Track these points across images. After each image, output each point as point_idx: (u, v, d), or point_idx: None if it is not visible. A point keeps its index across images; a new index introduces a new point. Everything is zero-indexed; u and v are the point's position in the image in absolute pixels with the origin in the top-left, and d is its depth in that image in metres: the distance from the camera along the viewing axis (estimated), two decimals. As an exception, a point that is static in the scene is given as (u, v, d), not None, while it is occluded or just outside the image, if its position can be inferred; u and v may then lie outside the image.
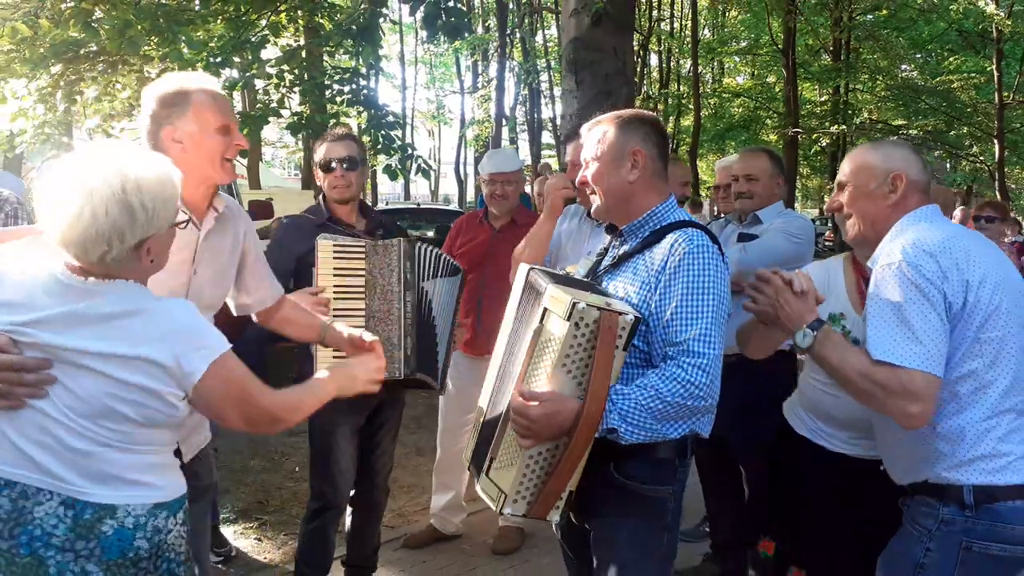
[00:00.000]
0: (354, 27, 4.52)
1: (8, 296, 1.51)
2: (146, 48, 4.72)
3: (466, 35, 4.77)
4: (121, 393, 1.49)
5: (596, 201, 2.03)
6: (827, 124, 21.23)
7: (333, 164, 2.92)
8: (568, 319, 1.65)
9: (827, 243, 21.24)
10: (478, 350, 3.51)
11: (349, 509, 3.13)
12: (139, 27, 4.51)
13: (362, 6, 4.27)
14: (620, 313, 1.69)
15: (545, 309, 1.75)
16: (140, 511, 1.54)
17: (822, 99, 23.79)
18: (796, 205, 23.85)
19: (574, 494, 1.79)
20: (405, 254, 2.80)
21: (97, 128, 6.92)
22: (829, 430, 2.29)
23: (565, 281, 1.88)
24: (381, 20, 4.86)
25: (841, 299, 2.27)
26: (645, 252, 1.93)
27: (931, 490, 1.78)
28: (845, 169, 2.03)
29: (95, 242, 1.47)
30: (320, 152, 2.99)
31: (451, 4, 4.45)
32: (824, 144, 22.18)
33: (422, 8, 4.20)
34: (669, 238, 1.88)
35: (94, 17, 4.58)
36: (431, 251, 2.90)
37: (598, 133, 2.02)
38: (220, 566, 3.50)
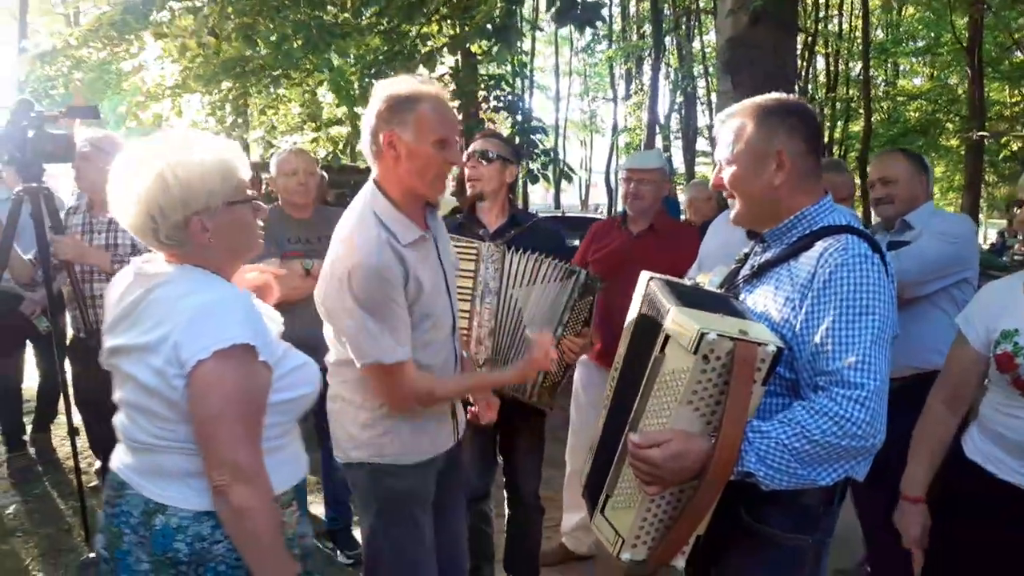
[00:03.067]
0: (489, 26, 4.48)
1: None
2: (301, 60, 4.93)
3: (598, 25, 4.59)
4: (143, 387, 1.48)
5: (736, 207, 1.77)
6: (1019, 127, 19.22)
7: (469, 156, 2.88)
8: (695, 352, 1.41)
9: (1016, 256, 19.20)
10: (611, 362, 3.32)
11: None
12: (295, 41, 4.70)
13: (498, 4, 4.23)
14: (759, 344, 1.43)
15: (667, 336, 1.51)
16: (185, 514, 1.51)
17: (1012, 100, 21.63)
18: (980, 215, 21.77)
19: (702, 538, 1.58)
20: (488, 258, 2.70)
21: (261, 140, 7.34)
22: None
23: (692, 297, 1.64)
24: (517, 20, 4.81)
25: (1019, 315, 1.94)
26: (790, 261, 1.66)
27: None
28: None
29: (140, 217, 1.50)
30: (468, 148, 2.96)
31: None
32: (1015, 149, 20.08)
33: (557, 2, 4.07)
34: (819, 246, 1.60)
35: (255, 31, 4.82)
36: (527, 256, 2.75)
37: (733, 128, 1.73)
38: (351, 568, 3.51)
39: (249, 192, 1.60)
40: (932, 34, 22.42)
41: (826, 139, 19.53)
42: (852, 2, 23.40)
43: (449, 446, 2.22)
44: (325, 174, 4.97)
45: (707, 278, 1.89)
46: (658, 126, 20.46)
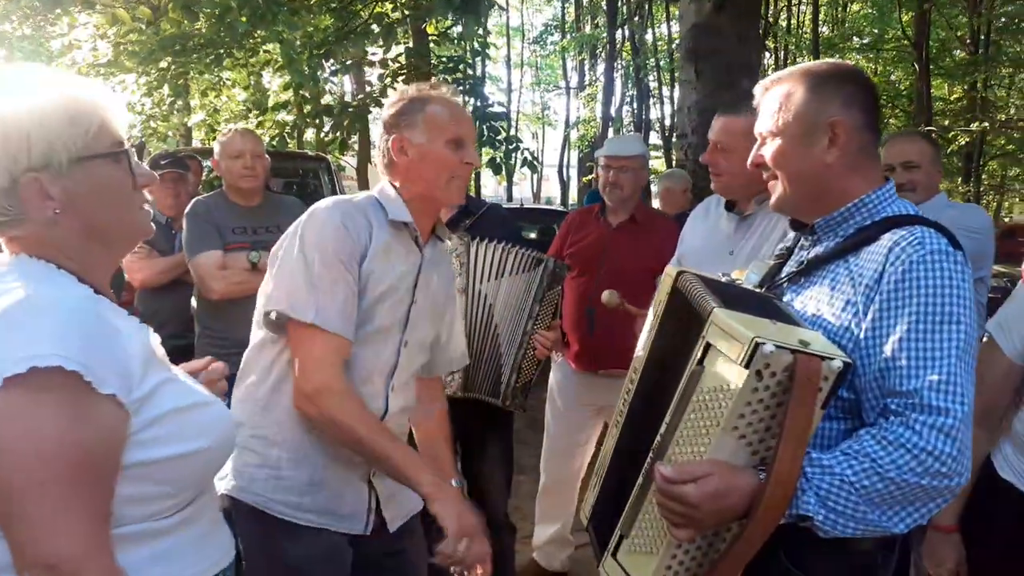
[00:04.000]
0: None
1: None
2: (245, 36, 4.56)
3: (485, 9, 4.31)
4: None
5: (777, 189, 1.49)
6: (962, 122, 19.67)
7: None
8: (747, 366, 1.14)
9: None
10: (589, 365, 3.06)
11: None
12: (239, 14, 4.33)
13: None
14: (823, 357, 1.17)
15: (708, 345, 1.23)
16: None
17: (954, 98, 22.17)
18: (924, 210, 22.21)
19: None
20: (451, 252, 2.45)
21: (203, 123, 6.90)
22: None
23: (735, 298, 1.36)
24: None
25: None
26: (849, 257, 1.39)
27: None
28: None
29: None
30: None
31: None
32: (962, 143, 20.57)
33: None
34: (887, 239, 1.34)
35: (196, 2, 4.43)
36: (493, 246, 2.52)
37: (779, 95, 1.46)
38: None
39: (120, 145, 1.12)
40: (876, 30, 22.84)
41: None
42: (801, -2, 23.71)
43: (355, 527, 1.75)
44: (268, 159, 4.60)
45: (741, 274, 1.60)
46: (611, 119, 20.35)
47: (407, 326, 1.77)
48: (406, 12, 5.58)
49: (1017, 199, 27.87)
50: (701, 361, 1.24)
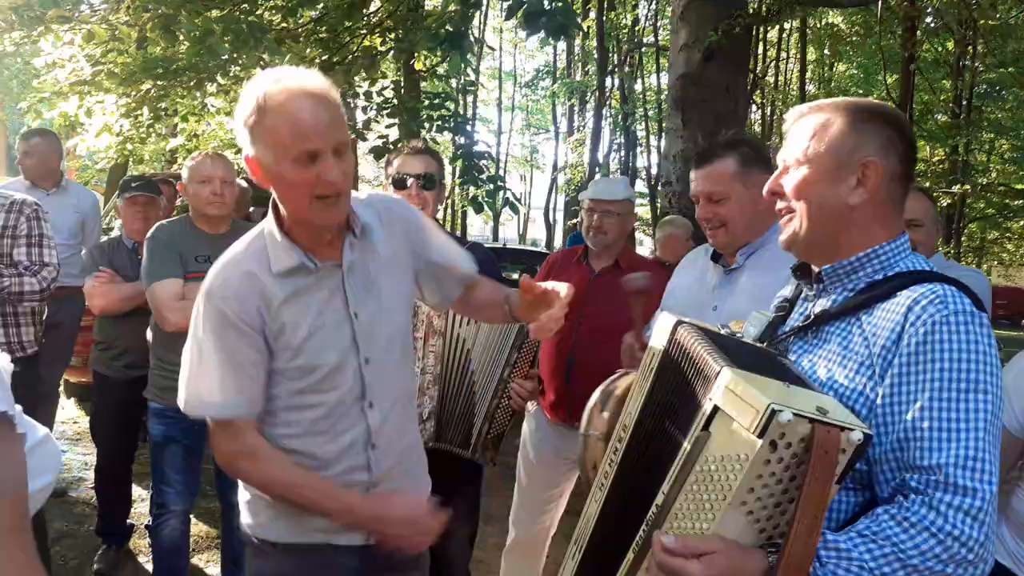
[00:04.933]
0: (442, 31, 4.13)
1: None
2: (228, 61, 4.49)
3: (572, 32, 4.29)
4: None
5: (792, 224, 1.38)
6: (944, 184, 19.99)
7: (408, 180, 2.47)
8: (761, 435, 1.03)
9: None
10: (565, 416, 2.91)
11: None
12: (222, 39, 4.25)
13: (451, 8, 3.89)
14: (843, 428, 1.06)
15: (716, 408, 1.11)
16: None
17: (935, 159, 22.56)
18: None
19: None
20: None
21: (184, 147, 6.80)
22: None
23: (737, 353, 1.24)
24: (472, 33, 4.50)
25: None
26: (861, 314, 1.29)
27: None
28: None
29: None
30: (394, 166, 2.54)
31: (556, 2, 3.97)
32: (944, 204, 20.87)
33: (523, 7, 3.73)
34: (905, 296, 1.23)
35: (176, 23, 4.35)
36: None
37: (815, 123, 1.36)
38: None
39: None
40: (861, 91, 23.31)
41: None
42: (789, 55, 24.19)
43: (356, 540, 1.70)
44: (247, 185, 4.48)
45: (739, 326, 1.48)
46: (598, 165, 20.49)
47: (359, 347, 1.62)
48: (393, 45, 5.53)
49: (996, 262, 28.24)
50: (707, 426, 1.12)
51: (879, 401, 1.20)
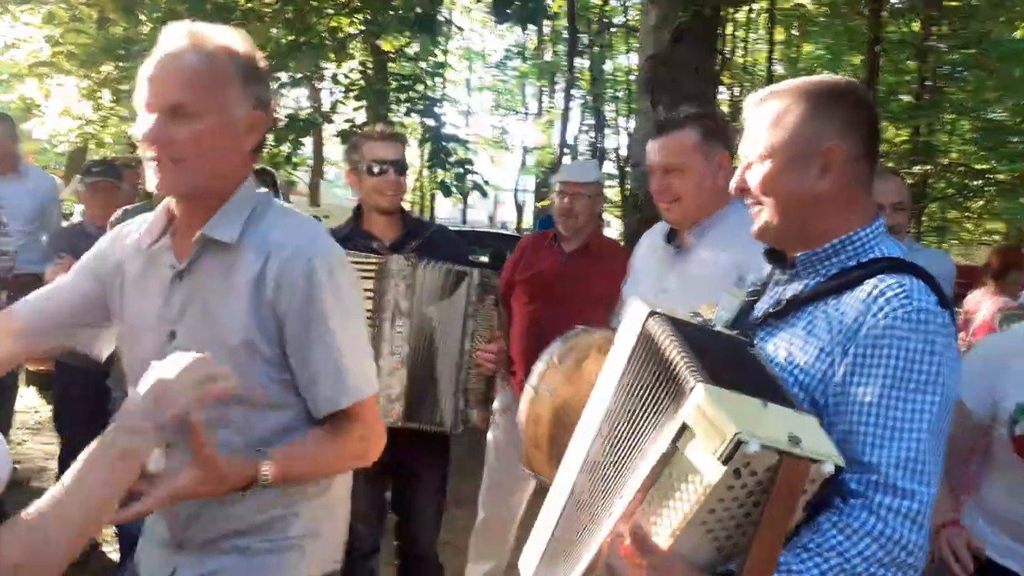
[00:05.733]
0: (412, 14, 4.10)
1: None
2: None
3: (540, 20, 4.29)
4: None
5: (762, 216, 1.37)
6: (906, 165, 20.32)
7: (384, 167, 2.48)
8: (725, 462, 1.03)
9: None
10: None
11: None
12: (185, 19, 4.16)
13: (420, -9, 3.88)
14: (814, 460, 1.05)
15: (684, 426, 1.09)
16: None
17: (898, 140, 22.89)
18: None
19: None
20: (398, 274, 2.37)
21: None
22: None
23: (713, 358, 1.19)
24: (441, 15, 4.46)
25: None
26: (829, 299, 1.28)
27: None
28: None
29: None
30: (363, 151, 2.54)
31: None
32: (908, 184, 21.25)
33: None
34: (871, 285, 1.23)
35: (138, 3, 4.26)
36: (440, 268, 2.44)
37: (772, 112, 1.34)
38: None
39: None
40: (828, 71, 23.50)
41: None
42: (757, 35, 24.30)
43: None
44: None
45: (711, 311, 1.47)
46: (567, 147, 20.49)
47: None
48: (361, 27, 5.47)
49: (956, 242, 28.85)
50: (676, 440, 1.11)
51: (831, 391, 1.22)
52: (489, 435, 3.25)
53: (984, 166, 21.03)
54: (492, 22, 31.30)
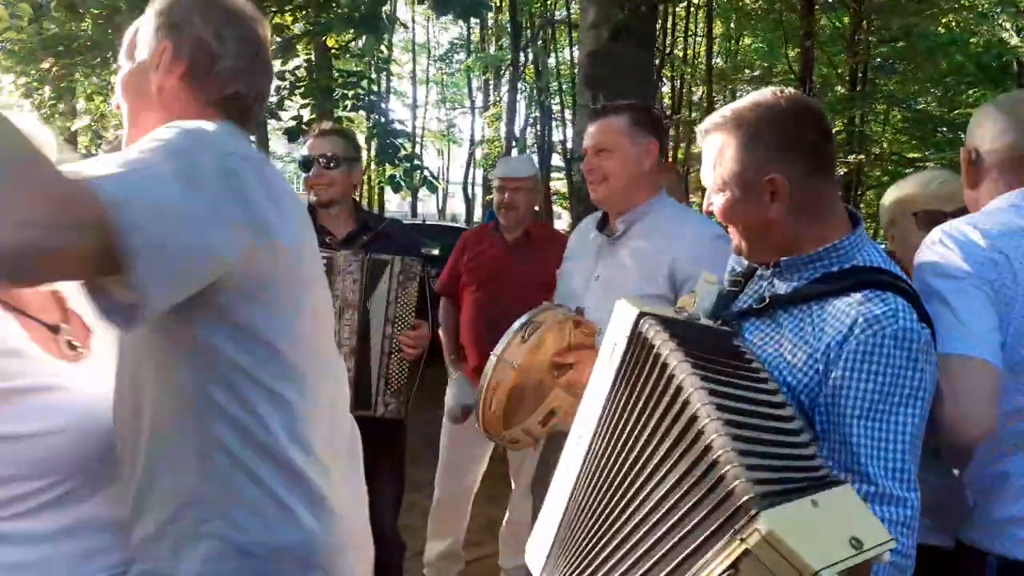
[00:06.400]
0: (356, 14, 4.17)
1: None
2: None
3: (483, 13, 4.38)
4: None
5: (733, 239, 1.44)
6: (842, 155, 20.96)
7: (310, 162, 2.61)
8: None
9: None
10: (486, 379, 3.11)
11: None
12: (127, 15, 4.18)
13: (365, -10, 3.96)
14: (876, 559, 1.02)
15: (746, 551, 0.99)
16: None
17: (836, 130, 23.57)
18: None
19: None
20: (345, 269, 2.49)
21: (88, 128, 6.60)
22: None
23: (701, 345, 1.19)
24: (385, 10, 4.53)
25: None
26: (814, 306, 1.31)
27: None
28: None
29: None
30: (304, 149, 2.68)
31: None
32: (841, 174, 21.89)
33: (431, -12, 3.81)
34: (858, 300, 1.26)
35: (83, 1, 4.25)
36: (369, 260, 2.54)
37: (714, 148, 1.38)
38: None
39: None
40: (766, 64, 24.08)
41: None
42: (696, 29, 24.74)
43: None
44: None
45: (691, 300, 1.48)
46: (514, 140, 20.62)
47: None
48: (308, 26, 5.51)
49: (891, 227, 29.80)
50: (735, 565, 1.01)
51: (824, 399, 1.26)
52: (444, 419, 3.38)
53: (915, 154, 21.89)
54: (435, 16, 31.11)
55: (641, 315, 1.30)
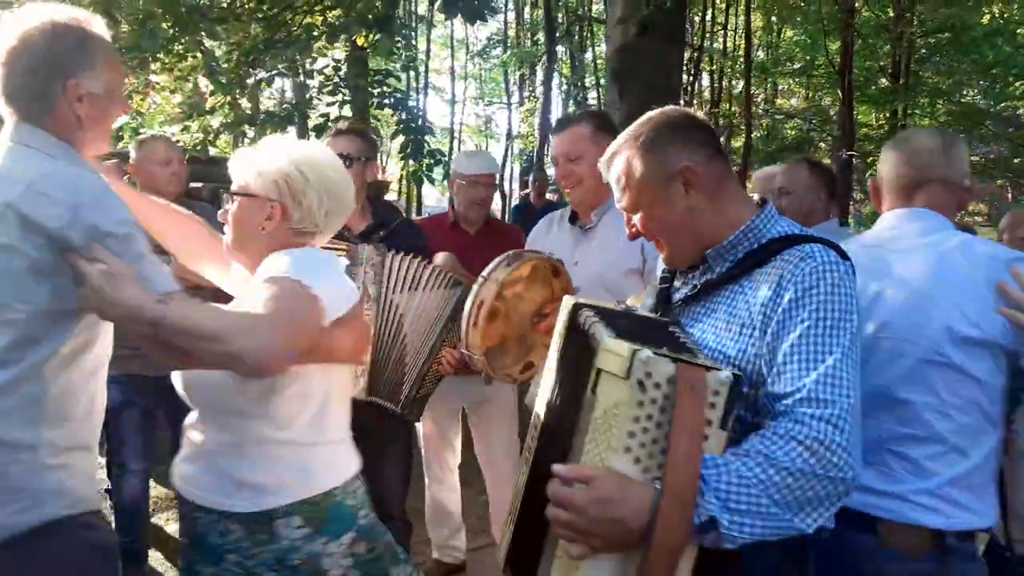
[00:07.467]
0: (370, 16, 4.30)
1: None
2: (170, 41, 4.60)
3: (488, 16, 4.47)
4: None
5: (663, 251, 1.54)
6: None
7: None
8: (627, 376, 1.12)
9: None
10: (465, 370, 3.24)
11: None
12: (163, 21, 4.37)
13: (378, -8, 4.08)
14: (708, 368, 1.14)
15: (598, 371, 1.18)
16: None
17: (878, 123, 23.11)
18: (849, 231, 23.16)
19: None
20: (367, 261, 2.57)
21: (127, 127, 6.85)
22: None
23: (633, 330, 1.30)
24: (398, 11, 4.67)
25: None
26: (742, 280, 1.41)
27: None
28: None
29: None
30: None
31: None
32: (880, 168, 21.49)
33: (440, -10, 3.93)
34: (779, 260, 1.37)
35: (115, 5, 4.45)
36: (408, 260, 2.62)
37: (619, 169, 1.50)
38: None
39: None
40: (808, 57, 23.71)
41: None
42: (736, 22, 24.44)
43: None
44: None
45: (639, 300, 1.62)
46: (549, 134, 20.66)
47: None
48: (335, 25, 5.68)
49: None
50: (593, 389, 1.19)
51: (762, 358, 1.32)
52: (418, 426, 3.41)
53: (961, 148, 21.36)
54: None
55: (577, 306, 1.43)
